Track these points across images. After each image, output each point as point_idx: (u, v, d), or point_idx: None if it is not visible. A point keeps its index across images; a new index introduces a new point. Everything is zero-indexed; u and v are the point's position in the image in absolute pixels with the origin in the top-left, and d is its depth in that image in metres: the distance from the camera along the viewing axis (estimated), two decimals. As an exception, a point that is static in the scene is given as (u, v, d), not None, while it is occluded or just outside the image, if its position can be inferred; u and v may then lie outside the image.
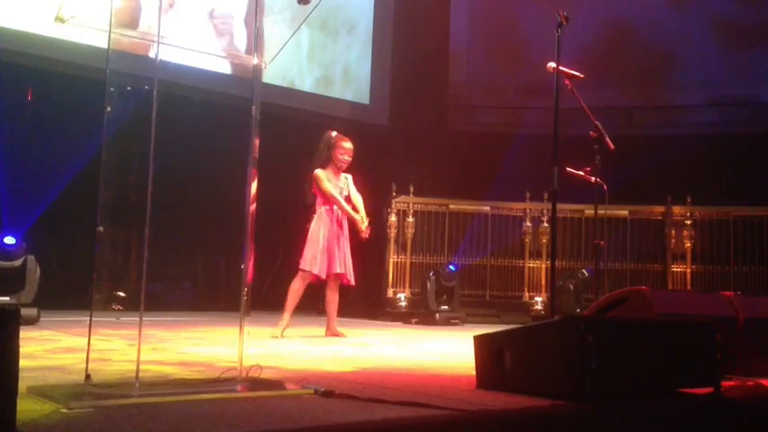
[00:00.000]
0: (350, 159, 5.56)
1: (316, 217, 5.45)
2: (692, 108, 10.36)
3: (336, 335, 5.43)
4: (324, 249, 5.37)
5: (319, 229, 5.40)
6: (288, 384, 2.81)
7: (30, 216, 6.59)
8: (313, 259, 5.33)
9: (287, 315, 5.31)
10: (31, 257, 5.71)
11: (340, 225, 5.48)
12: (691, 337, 2.97)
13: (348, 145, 5.55)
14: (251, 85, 3.01)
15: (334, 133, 5.57)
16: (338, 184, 5.51)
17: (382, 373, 3.49)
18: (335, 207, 5.47)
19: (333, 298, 5.52)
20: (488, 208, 9.20)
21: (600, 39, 10.09)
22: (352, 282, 5.57)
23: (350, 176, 5.62)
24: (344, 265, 5.46)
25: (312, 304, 9.30)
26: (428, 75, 10.13)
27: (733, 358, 3.25)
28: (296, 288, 5.40)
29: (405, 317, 8.09)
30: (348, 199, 5.53)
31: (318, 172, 5.47)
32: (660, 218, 8.97)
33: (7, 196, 6.71)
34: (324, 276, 5.40)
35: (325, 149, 5.50)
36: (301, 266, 5.39)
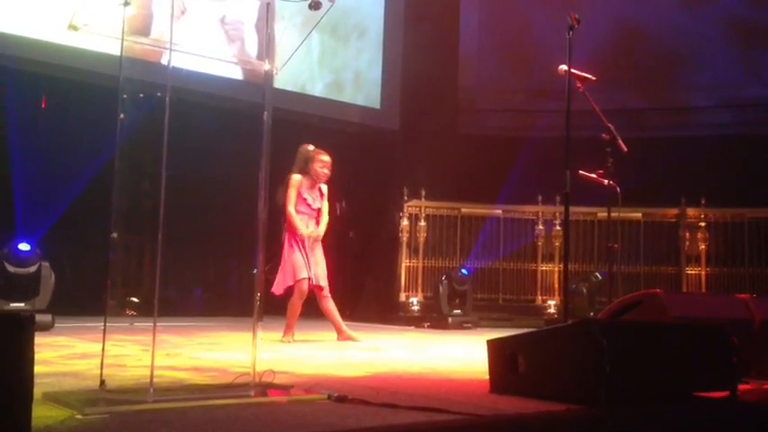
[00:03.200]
0: (329, 173, 5.47)
1: (288, 235, 5.32)
2: (705, 109, 10.29)
3: (350, 339, 5.39)
4: (307, 256, 5.26)
5: (298, 238, 5.27)
6: (301, 390, 2.81)
7: (44, 223, 6.64)
8: (302, 268, 5.23)
9: (291, 328, 5.25)
10: (46, 264, 5.75)
11: (311, 247, 5.33)
12: (706, 341, 2.95)
13: (326, 158, 5.47)
14: (262, 91, 3.02)
15: (311, 147, 5.50)
16: (311, 195, 5.41)
17: (395, 377, 3.48)
18: (308, 214, 5.36)
19: (329, 306, 5.39)
20: (500, 211, 9.18)
21: (611, 40, 10.04)
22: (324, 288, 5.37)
23: (325, 187, 5.51)
24: (323, 274, 5.34)
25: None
26: (439, 79, 10.12)
27: (749, 361, 3.23)
28: (294, 303, 5.26)
29: (417, 321, 8.07)
30: (319, 212, 5.44)
31: (294, 177, 5.36)
32: (674, 220, 8.91)
33: (22, 203, 6.76)
34: (315, 283, 5.27)
35: (302, 162, 5.43)
36: (290, 281, 5.24)
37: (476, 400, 2.71)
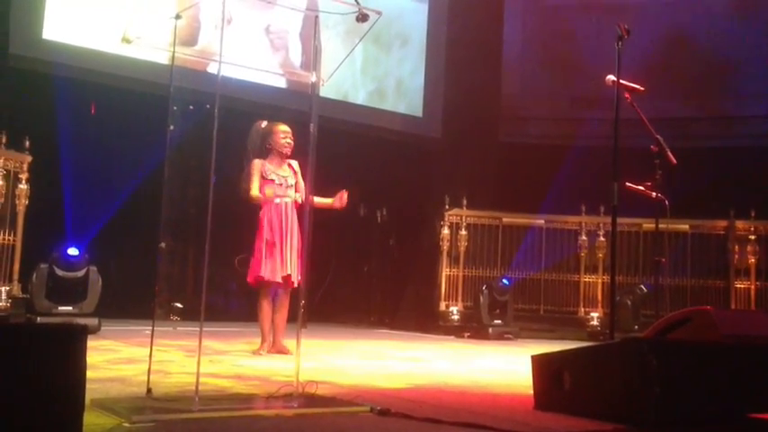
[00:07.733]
0: (292, 142, 4.82)
1: (260, 216, 4.77)
2: (756, 118, 10.03)
3: (282, 351, 4.67)
4: (270, 251, 4.69)
5: (264, 229, 4.73)
6: (343, 401, 2.80)
7: (92, 228, 6.77)
8: (261, 266, 4.67)
9: (265, 335, 4.77)
10: (93, 268, 5.87)
11: (287, 219, 4.74)
12: (760, 360, 2.86)
13: (285, 128, 4.85)
14: (307, 101, 3.03)
15: (264, 123, 4.90)
16: (279, 174, 4.80)
17: (436, 390, 3.46)
18: (280, 200, 4.72)
19: (281, 307, 4.79)
20: (543, 221, 9.06)
21: (658, 48, 9.87)
22: (296, 283, 4.70)
23: (296, 162, 4.89)
24: (292, 265, 4.70)
25: (360, 316, 9.33)
26: (482, 86, 10.06)
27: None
28: (263, 307, 4.77)
29: (457, 330, 8.02)
30: (293, 188, 4.84)
31: (254, 162, 4.77)
32: (722, 232, 8.69)
33: (71, 209, 6.91)
34: (278, 280, 4.66)
35: (259, 142, 4.83)
36: (250, 279, 4.75)
37: (521, 417, 2.67)
